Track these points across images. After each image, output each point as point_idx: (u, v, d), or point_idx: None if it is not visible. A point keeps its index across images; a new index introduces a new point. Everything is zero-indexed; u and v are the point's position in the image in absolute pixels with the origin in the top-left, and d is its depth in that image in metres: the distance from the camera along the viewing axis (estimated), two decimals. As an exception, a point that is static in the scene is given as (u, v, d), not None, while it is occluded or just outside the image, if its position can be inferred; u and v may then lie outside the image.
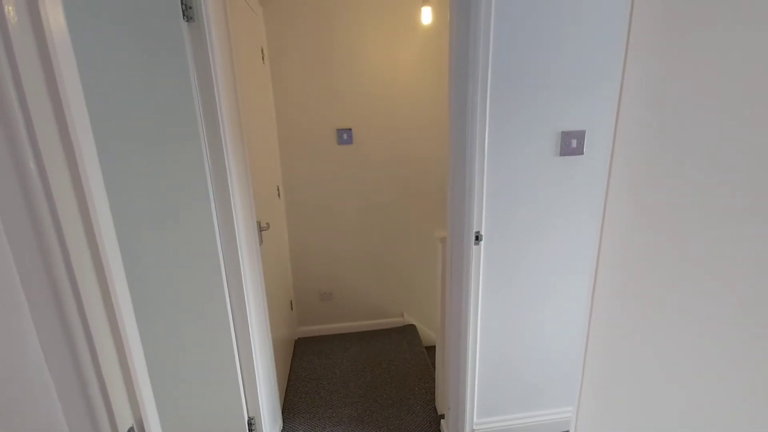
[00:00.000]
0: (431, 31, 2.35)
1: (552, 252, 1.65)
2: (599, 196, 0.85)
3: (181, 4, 1.14)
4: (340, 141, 2.52)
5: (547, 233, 1.62)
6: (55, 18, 0.56)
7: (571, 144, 1.52)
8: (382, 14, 2.32)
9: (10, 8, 0.49)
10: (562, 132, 1.52)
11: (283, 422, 2.07)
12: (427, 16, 2.08)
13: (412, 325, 2.98)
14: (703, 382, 0.60)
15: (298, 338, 2.87)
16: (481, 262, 1.59)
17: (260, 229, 1.77)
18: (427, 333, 2.97)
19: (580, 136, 1.52)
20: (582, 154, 1.54)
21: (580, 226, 1.62)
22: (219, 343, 1.49)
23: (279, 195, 2.50)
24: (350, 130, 2.51)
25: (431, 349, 2.61)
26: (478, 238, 1.55)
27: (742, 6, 0.50)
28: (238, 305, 1.51)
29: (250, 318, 1.56)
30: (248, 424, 1.62)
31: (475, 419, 1.83)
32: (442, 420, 2.02)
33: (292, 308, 2.76)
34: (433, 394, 2.24)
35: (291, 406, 2.20)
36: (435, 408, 2.16)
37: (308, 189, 2.60)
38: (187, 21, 1.17)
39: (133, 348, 0.69)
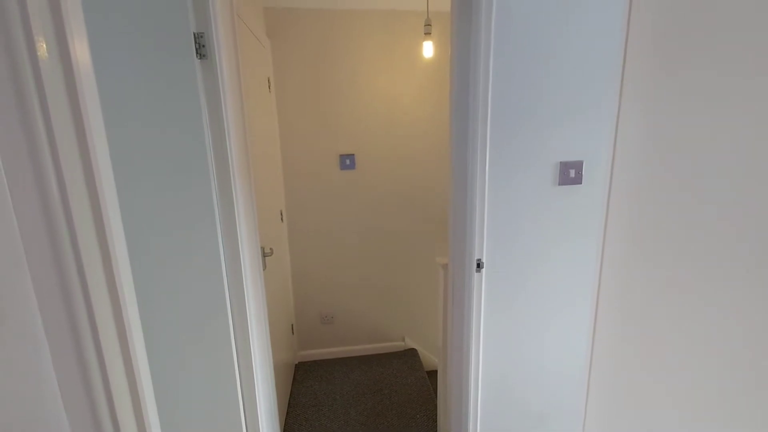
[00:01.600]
0: (432, 64, 2.43)
1: (553, 279, 1.66)
2: (598, 224, 0.88)
3: (195, 42, 1.20)
4: (343, 166, 2.57)
5: (548, 261, 1.64)
6: (82, 54, 0.60)
7: (569, 174, 1.56)
8: (384, 46, 2.41)
9: (42, 44, 0.53)
10: (561, 162, 1.55)
11: (283, 450, 2.04)
12: (428, 50, 2.15)
13: (413, 349, 2.96)
14: (704, 410, 0.61)
15: (299, 362, 2.85)
16: (482, 289, 1.61)
17: (264, 255, 1.79)
18: (429, 357, 2.95)
19: (578, 166, 1.56)
20: (580, 183, 1.58)
21: (580, 254, 1.64)
22: (221, 368, 1.49)
23: (282, 219, 2.53)
24: (353, 155, 2.56)
25: (433, 374, 2.59)
26: (479, 265, 1.57)
27: (729, 50, 0.53)
28: (241, 332, 1.51)
29: (253, 345, 1.57)
30: (248, 452, 1.61)
31: (477, 448, 1.81)
32: (444, 449, 2.00)
33: (293, 332, 2.75)
34: (435, 421, 2.22)
35: (291, 433, 2.17)
36: (437, 436, 2.13)
37: (311, 213, 2.63)
38: (200, 58, 1.22)
39: (142, 374, 0.71)
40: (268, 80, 2.28)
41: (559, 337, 1.74)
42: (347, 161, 2.56)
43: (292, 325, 2.75)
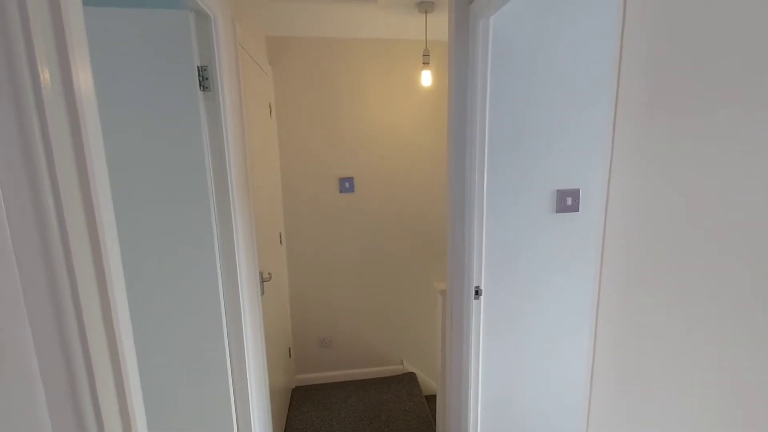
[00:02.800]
0: (431, 92, 2.48)
1: (552, 307, 1.66)
2: (595, 252, 0.89)
3: (198, 75, 1.23)
4: (342, 189, 2.59)
5: (546, 288, 1.64)
6: (84, 83, 0.62)
7: (566, 201, 1.58)
8: (384, 74, 2.46)
9: (45, 73, 0.55)
10: (558, 190, 1.57)
11: (279, 480, 1.99)
12: (426, 78, 2.20)
13: (412, 373, 2.92)
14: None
15: (296, 386, 2.80)
16: (481, 316, 1.60)
17: (262, 280, 1.79)
18: (428, 382, 2.91)
19: (574, 194, 1.58)
20: (577, 211, 1.59)
21: (578, 281, 1.64)
22: (216, 394, 1.47)
23: (281, 242, 2.53)
24: (352, 178, 2.59)
25: (432, 399, 2.55)
26: (477, 292, 1.57)
27: (724, 91, 0.55)
28: (237, 359, 1.50)
29: (249, 372, 1.55)
30: (243, 484, 1.57)
31: (477, 479, 1.77)
32: (443, 479, 1.95)
33: (290, 355, 2.72)
34: (434, 449, 2.17)
35: (287, 462, 2.12)
36: (436, 465, 2.08)
37: (310, 236, 2.64)
38: (203, 90, 1.25)
39: (135, 399, 0.70)
40: (269, 105, 2.31)
41: (558, 365, 1.72)
42: (346, 184, 2.58)
43: (290, 348, 2.72)
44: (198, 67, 1.22)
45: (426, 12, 1.94)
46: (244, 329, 1.49)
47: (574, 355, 1.71)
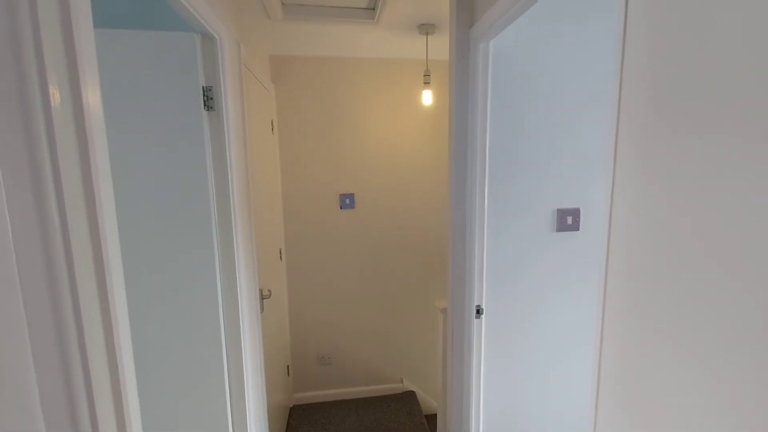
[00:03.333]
0: (432, 110, 2.51)
1: (553, 326, 1.65)
2: (595, 270, 0.88)
3: (203, 95, 1.25)
4: (343, 205, 2.60)
5: (547, 307, 1.63)
6: (94, 102, 0.63)
7: (566, 221, 1.58)
8: (384, 92, 2.49)
9: (56, 93, 0.56)
10: (558, 209, 1.58)
11: (275, 504, 1.94)
12: (427, 98, 2.23)
13: (411, 391, 2.88)
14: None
15: (294, 405, 2.76)
16: (482, 335, 1.59)
17: (262, 298, 1.78)
18: (428, 400, 2.86)
19: (575, 213, 1.59)
20: (578, 230, 1.60)
21: (579, 301, 1.63)
22: (213, 413, 1.45)
23: (281, 257, 2.53)
24: (353, 195, 2.60)
25: (432, 418, 2.51)
26: (479, 311, 1.56)
27: (726, 112, 0.56)
28: (235, 376, 1.48)
29: (247, 390, 1.53)
30: None
31: (479, 504, 1.73)
32: (444, 503, 1.91)
33: (288, 373, 2.69)
34: (434, 472, 2.13)
35: (284, 484, 2.07)
36: (436, 489, 2.04)
37: (310, 251, 2.63)
38: (207, 110, 1.26)
39: (133, 417, 0.69)
40: (272, 122, 2.34)
41: (559, 384, 1.70)
42: (347, 200, 2.59)
43: (288, 366, 2.69)
44: (203, 88, 1.24)
45: (427, 33, 1.98)
46: (243, 348, 1.47)
47: (575, 374, 1.69)
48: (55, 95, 0.56)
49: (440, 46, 2.13)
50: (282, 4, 1.71)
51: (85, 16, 0.62)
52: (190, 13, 1.06)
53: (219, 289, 1.37)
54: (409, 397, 2.82)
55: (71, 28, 0.59)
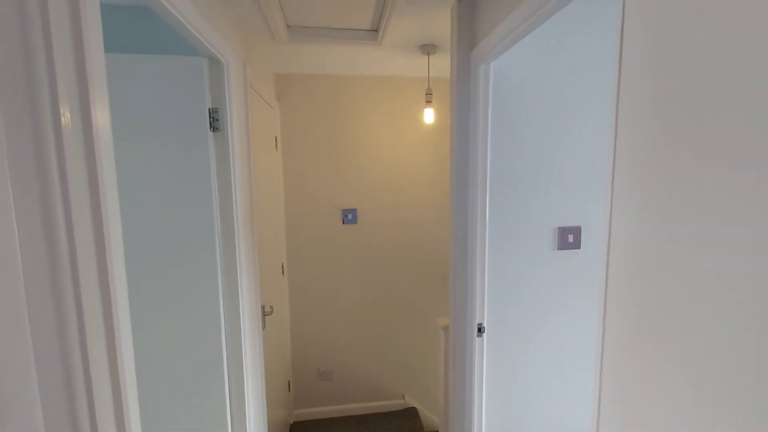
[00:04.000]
0: (433, 127, 2.54)
1: (554, 343, 1.65)
2: (597, 287, 0.89)
3: (209, 116, 1.28)
4: (345, 220, 2.61)
5: (549, 325, 1.63)
6: (103, 123, 0.65)
7: (567, 239, 1.59)
8: (386, 110, 2.53)
9: (67, 113, 0.58)
10: (559, 228, 1.59)
11: None
12: (429, 116, 2.26)
13: (413, 408, 2.85)
14: None
15: (294, 422, 2.74)
16: (484, 353, 1.58)
17: (264, 314, 1.78)
18: (430, 417, 2.83)
19: (576, 231, 1.60)
20: (579, 248, 1.61)
21: (581, 319, 1.63)
22: (214, 430, 1.45)
23: (283, 272, 2.53)
24: (355, 210, 2.61)
25: (434, 437, 2.48)
26: (480, 330, 1.56)
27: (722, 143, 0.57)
28: (236, 394, 1.48)
29: (248, 409, 1.52)
30: None
31: None
32: None
33: (289, 389, 2.67)
34: (436, 492, 2.10)
35: (284, 503, 2.05)
36: None
37: (312, 266, 2.64)
38: (213, 131, 1.29)
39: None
40: (276, 139, 2.37)
41: (561, 404, 1.69)
42: (349, 215, 2.61)
43: (289, 381, 2.67)
44: (209, 110, 1.27)
45: (428, 54, 2.01)
46: (244, 365, 1.48)
47: (576, 393, 1.68)
48: (66, 116, 0.58)
49: (442, 65, 2.17)
50: (287, 26, 1.75)
51: (96, 42, 0.65)
52: (197, 39, 1.09)
53: (222, 306, 1.38)
54: (411, 413, 2.79)
55: (83, 52, 0.62)
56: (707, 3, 0.59)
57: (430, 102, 2.16)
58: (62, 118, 0.57)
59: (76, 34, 0.61)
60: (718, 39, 0.57)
